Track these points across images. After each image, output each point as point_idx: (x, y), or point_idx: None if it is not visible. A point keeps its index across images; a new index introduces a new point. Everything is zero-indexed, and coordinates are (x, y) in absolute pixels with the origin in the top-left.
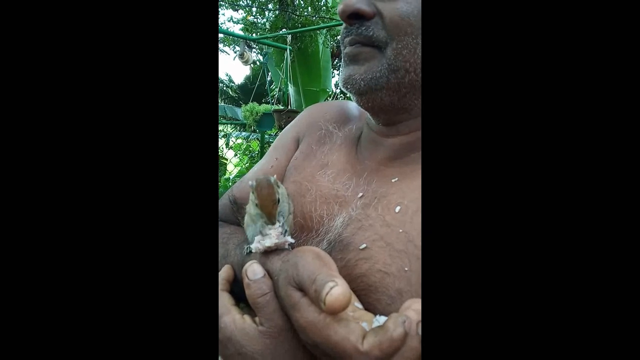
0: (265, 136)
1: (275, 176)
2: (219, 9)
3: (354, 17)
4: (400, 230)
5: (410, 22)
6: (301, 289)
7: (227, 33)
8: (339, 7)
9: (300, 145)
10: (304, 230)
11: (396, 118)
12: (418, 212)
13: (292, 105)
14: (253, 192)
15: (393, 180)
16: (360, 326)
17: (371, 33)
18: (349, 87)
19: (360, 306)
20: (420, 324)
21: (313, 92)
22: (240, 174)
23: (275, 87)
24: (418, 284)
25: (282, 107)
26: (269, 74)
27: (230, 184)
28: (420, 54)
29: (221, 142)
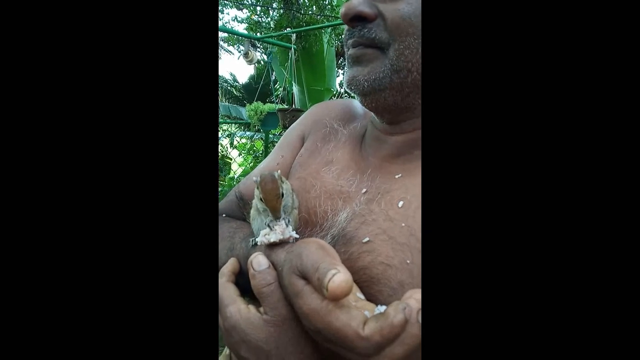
0: (270, 135)
1: (279, 171)
2: (224, 9)
3: (357, 20)
4: (403, 225)
5: (412, 23)
6: (304, 277)
7: (232, 32)
8: (342, 10)
9: (306, 142)
10: (308, 225)
11: (400, 117)
12: (420, 207)
13: (297, 104)
14: (258, 187)
15: (397, 177)
16: (362, 313)
17: (373, 35)
18: (353, 88)
19: (362, 297)
20: (420, 312)
21: (317, 91)
22: (245, 173)
23: (280, 87)
24: (420, 276)
25: (286, 107)
26: (274, 73)
27: (234, 182)
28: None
29: (226, 141)
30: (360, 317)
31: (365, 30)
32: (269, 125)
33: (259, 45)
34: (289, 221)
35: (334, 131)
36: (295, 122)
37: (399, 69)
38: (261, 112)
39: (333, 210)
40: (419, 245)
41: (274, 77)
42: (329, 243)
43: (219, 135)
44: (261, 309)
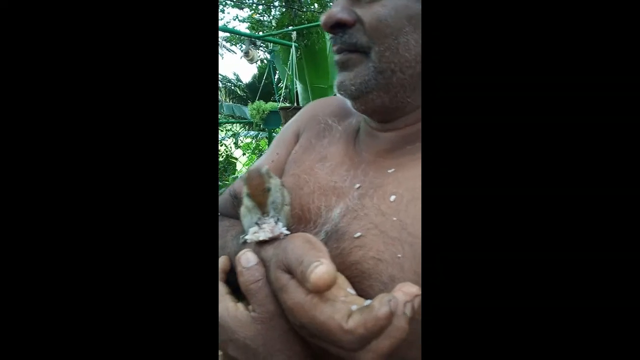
0: (273, 134)
1: (267, 167)
2: (224, 8)
3: (337, 27)
4: (395, 219)
5: (389, 24)
6: (290, 271)
7: (231, 31)
8: (322, 19)
9: (300, 139)
10: (301, 222)
11: (390, 117)
12: (412, 200)
13: (300, 102)
14: (245, 184)
15: (389, 171)
16: (346, 306)
17: (354, 40)
18: (342, 92)
19: (353, 292)
20: (407, 305)
21: (321, 88)
22: None
23: (283, 85)
24: (410, 271)
25: (288, 105)
26: (277, 71)
27: None
28: (403, 54)
29: (230, 141)
30: (344, 310)
31: (347, 36)
32: (272, 124)
33: (261, 44)
34: (278, 219)
35: (329, 127)
36: (291, 120)
37: (382, 70)
38: (263, 110)
39: (327, 207)
40: (410, 239)
41: (277, 76)
42: (322, 240)
43: (223, 135)
44: (250, 307)
